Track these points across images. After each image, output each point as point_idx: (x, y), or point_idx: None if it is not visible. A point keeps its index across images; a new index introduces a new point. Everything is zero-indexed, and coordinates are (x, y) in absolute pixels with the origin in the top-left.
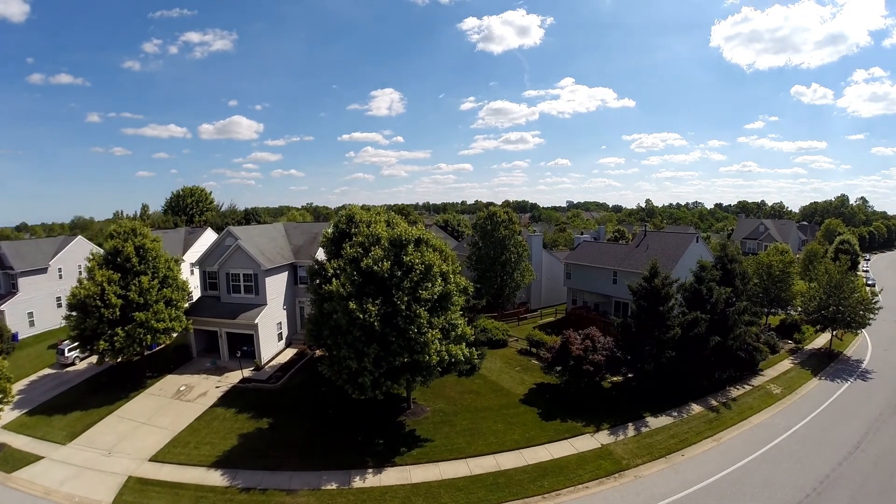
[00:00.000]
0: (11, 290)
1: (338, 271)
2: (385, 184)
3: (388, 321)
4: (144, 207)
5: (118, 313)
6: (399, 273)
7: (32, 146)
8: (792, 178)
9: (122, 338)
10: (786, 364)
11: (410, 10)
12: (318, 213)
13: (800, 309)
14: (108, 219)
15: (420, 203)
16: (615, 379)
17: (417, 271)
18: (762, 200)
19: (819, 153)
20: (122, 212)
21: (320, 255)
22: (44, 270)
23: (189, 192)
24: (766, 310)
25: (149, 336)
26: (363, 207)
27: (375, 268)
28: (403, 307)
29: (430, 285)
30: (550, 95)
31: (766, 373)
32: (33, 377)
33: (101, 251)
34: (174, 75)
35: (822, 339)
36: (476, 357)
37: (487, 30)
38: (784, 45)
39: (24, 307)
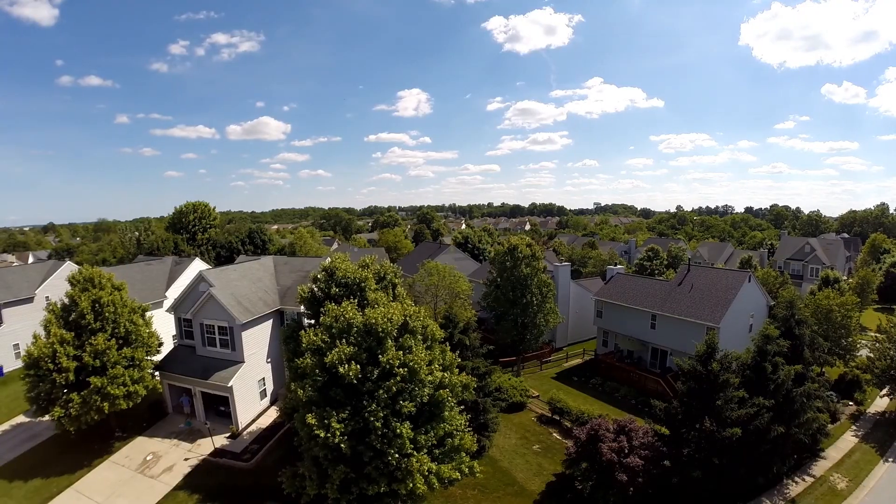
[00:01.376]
0: None
1: (310, 346)
2: (412, 184)
3: (361, 439)
4: (147, 224)
5: (72, 377)
6: (374, 376)
7: (62, 147)
8: (823, 179)
9: (77, 404)
10: (848, 439)
11: (436, 10)
12: (339, 220)
13: (865, 355)
14: (135, 220)
15: (446, 205)
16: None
17: (398, 377)
18: (797, 208)
19: (851, 154)
20: (149, 220)
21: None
22: (30, 300)
23: (192, 207)
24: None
25: (106, 404)
26: (389, 208)
27: (341, 369)
28: (379, 424)
29: (415, 390)
30: (578, 95)
31: (827, 453)
32: (5, 426)
33: (62, 300)
34: (202, 77)
35: (885, 399)
36: (479, 471)
37: (514, 29)
38: (815, 42)
39: (8, 339)
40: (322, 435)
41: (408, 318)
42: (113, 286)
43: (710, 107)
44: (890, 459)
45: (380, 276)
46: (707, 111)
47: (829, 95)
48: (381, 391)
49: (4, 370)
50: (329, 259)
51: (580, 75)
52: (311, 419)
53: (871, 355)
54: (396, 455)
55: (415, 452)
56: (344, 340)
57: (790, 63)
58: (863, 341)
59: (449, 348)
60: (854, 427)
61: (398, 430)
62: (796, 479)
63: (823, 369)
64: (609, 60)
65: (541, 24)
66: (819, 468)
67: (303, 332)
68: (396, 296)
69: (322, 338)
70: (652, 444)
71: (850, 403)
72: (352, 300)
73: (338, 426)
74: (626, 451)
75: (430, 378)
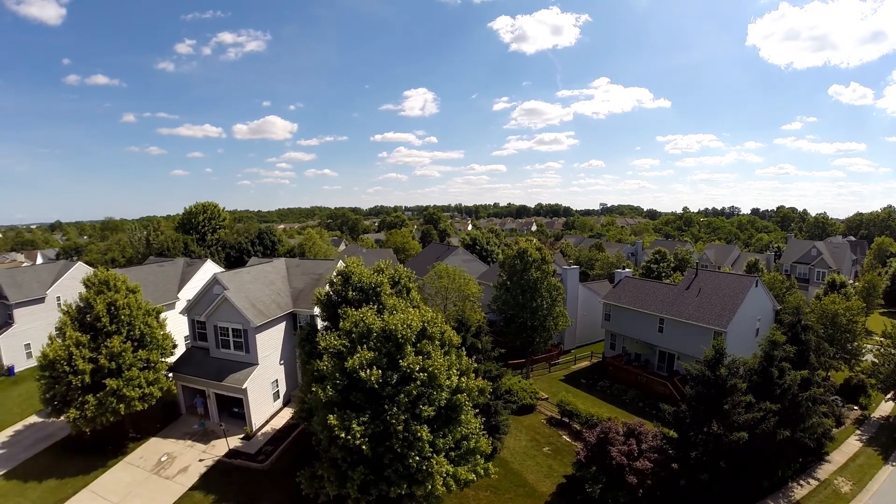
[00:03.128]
0: (7, 322)
1: (328, 349)
2: (418, 184)
3: (381, 441)
4: (156, 223)
5: (88, 379)
6: (394, 380)
7: (68, 146)
8: (830, 180)
9: (92, 406)
10: (853, 443)
11: (442, 10)
12: (345, 219)
13: (870, 360)
14: (141, 218)
15: (452, 205)
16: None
17: (417, 381)
18: (804, 209)
19: (858, 155)
20: (157, 219)
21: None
22: (41, 300)
23: (201, 208)
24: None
25: (122, 405)
26: (395, 208)
27: (362, 374)
28: (400, 427)
29: (434, 395)
30: (585, 96)
31: (831, 457)
32: (18, 426)
33: (76, 302)
34: (208, 76)
35: (890, 403)
36: (493, 472)
37: (521, 29)
38: (822, 43)
39: (20, 339)
40: (343, 436)
41: (426, 325)
42: (128, 289)
43: (716, 107)
44: (894, 463)
45: (394, 281)
46: (714, 112)
47: (837, 96)
48: (401, 395)
49: (16, 370)
50: (342, 263)
51: (587, 75)
52: (332, 420)
53: (877, 360)
54: (417, 458)
55: (434, 455)
56: (364, 346)
57: (797, 64)
58: (868, 346)
59: (465, 353)
60: (858, 431)
61: (419, 434)
62: (801, 482)
63: (829, 374)
64: (616, 60)
65: (547, 23)
66: (823, 472)
67: (319, 334)
68: (412, 300)
69: (342, 342)
70: (660, 447)
71: (855, 408)
72: (371, 306)
73: (358, 428)
74: (636, 453)
75: (448, 383)
